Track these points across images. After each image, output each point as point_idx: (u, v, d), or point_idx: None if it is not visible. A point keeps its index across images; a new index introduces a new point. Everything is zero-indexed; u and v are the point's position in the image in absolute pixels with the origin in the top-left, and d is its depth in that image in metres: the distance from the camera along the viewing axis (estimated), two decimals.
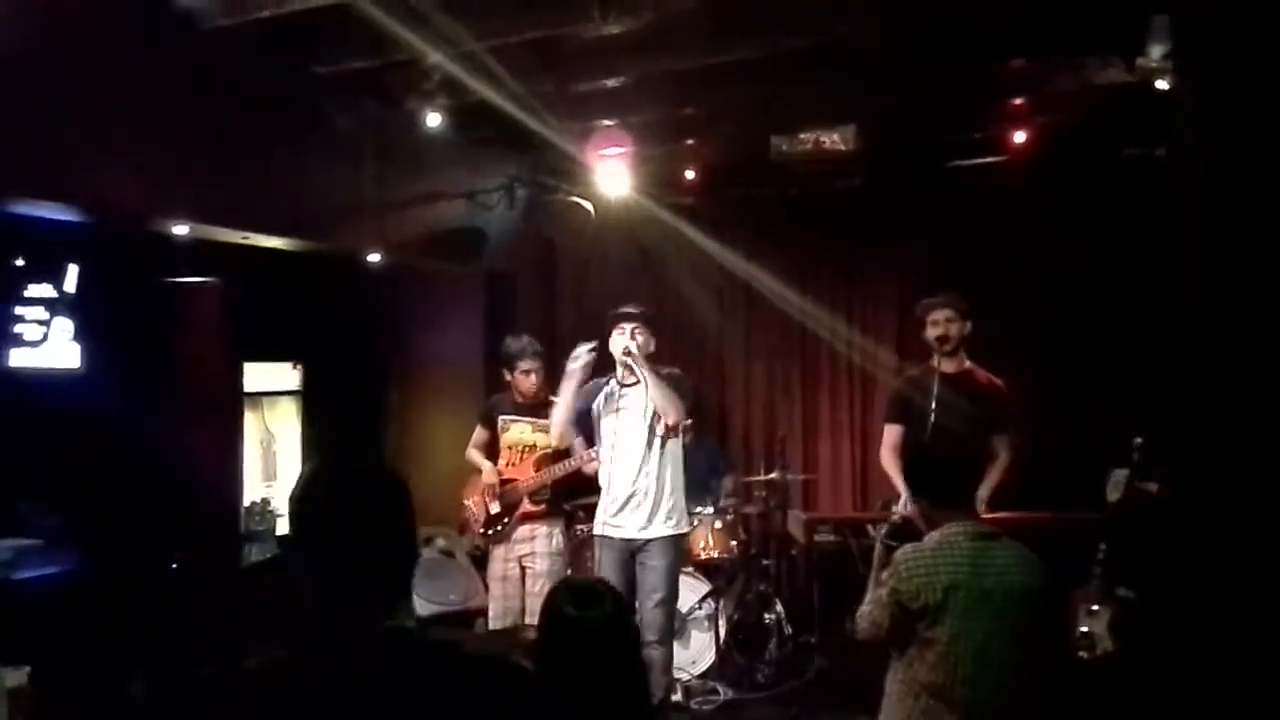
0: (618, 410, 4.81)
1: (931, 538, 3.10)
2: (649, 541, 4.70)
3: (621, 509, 4.72)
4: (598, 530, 4.85)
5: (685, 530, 4.92)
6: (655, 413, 4.70)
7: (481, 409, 5.52)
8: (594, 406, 4.87)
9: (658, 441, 4.74)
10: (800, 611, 5.96)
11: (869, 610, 3.19)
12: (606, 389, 4.86)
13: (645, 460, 4.73)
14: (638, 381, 4.74)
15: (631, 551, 4.73)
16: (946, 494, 3.18)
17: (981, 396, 5.00)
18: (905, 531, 3.31)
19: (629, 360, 4.68)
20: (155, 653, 4.79)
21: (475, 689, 1.64)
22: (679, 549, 4.90)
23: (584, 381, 4.79)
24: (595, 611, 2.39)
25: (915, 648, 3.02)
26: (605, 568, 4.73)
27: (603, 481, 4.83)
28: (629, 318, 4.76)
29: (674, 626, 4.96)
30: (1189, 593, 3.25)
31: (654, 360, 4.81)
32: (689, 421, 4.82)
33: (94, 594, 4.68)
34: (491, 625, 5.28)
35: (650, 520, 4.70)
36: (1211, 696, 3.08)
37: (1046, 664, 3.11)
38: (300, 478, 1.80)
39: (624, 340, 4.71)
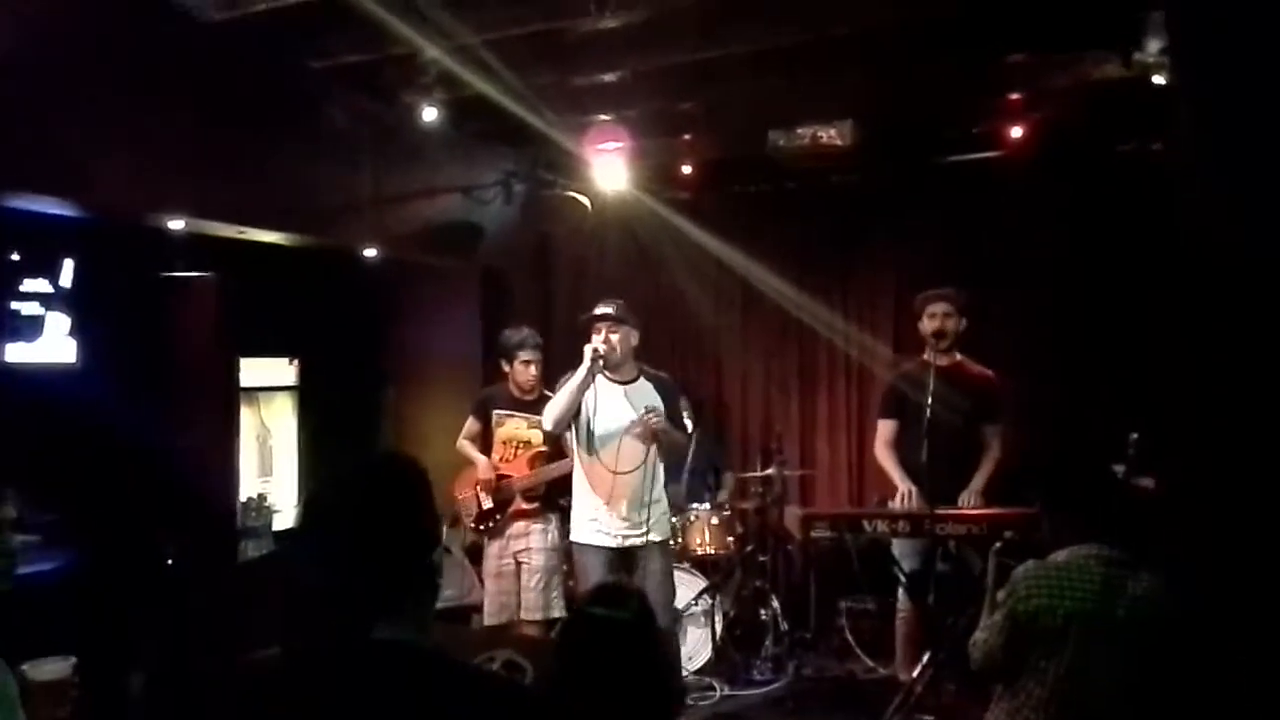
0: (606, 410, 4.63)
1: (1058, 556, 2.79)
2: (645, 546, 4.60)
3: (619, 515, 4.59)
4: (585, 538, 4.67)
5: (670, 532, 5.01)
6: (648, 415, 4.58)
7: (475, 400, 5.49)
8: (583, 403, 4.62)
9: (651, 446, 4.61)
10: (797, 607, 5.96)
11: (983, 637, 2.89)
12: (594, 386, 4.61)
13: (643, 465, 4.59)
14: (627, 380, 4.71)
15: (623, 557, 4.61)
16: (1082, 509, 2.85)
17: (973, 388, 5.05)
18: (1023, 548, 3.03)
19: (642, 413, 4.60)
20: (152, 648, 4.78)
21: (466, 705, 1.61)
22: (671, 550, 5.03)
23: (585, 382, 4.55)
24: (621, 611, 2.35)
25: (1025, 678, 2.73)
26: (595, 574, 4.52)
27: (585, 485, 4.69)
28: (601, 319, 4.63)
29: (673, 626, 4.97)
30: (1183, 590, 3.24)
31: (641, 357, 4.80)
32: (692, 433, 4.91)
33: (90, 590, 4.67)
34: (486, 621, 5.26)
35: (649, 525, 4.58)
36: (1208, 693, 3.08)
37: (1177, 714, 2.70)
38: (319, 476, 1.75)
39: (597, 341, 4.58)
